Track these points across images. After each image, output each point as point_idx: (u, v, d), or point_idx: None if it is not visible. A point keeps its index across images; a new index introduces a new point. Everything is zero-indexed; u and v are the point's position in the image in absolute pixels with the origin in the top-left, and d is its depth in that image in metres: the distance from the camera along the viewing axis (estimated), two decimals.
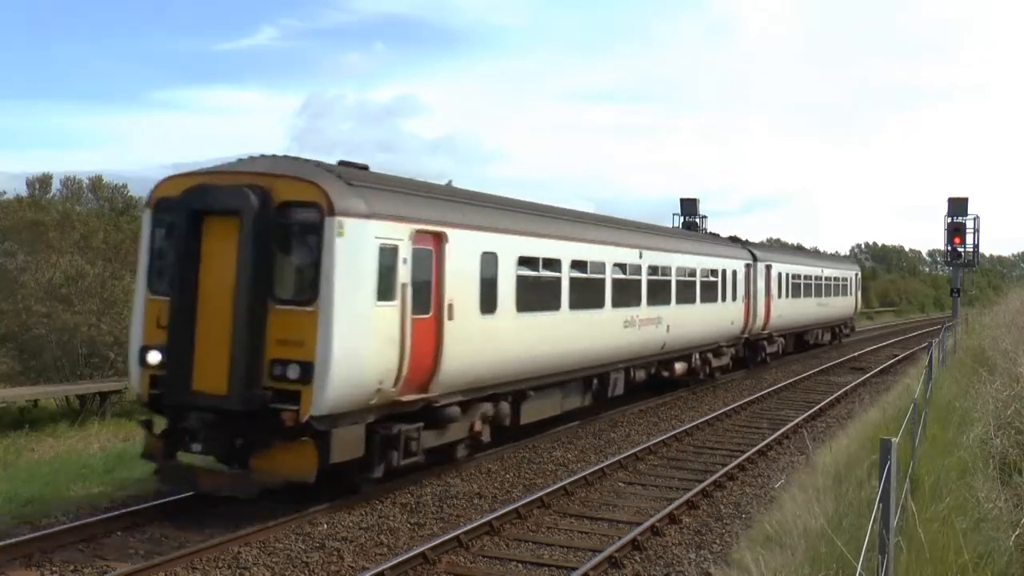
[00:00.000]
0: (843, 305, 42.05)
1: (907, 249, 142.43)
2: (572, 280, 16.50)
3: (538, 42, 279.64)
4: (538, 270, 15.50)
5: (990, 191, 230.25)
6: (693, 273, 22.94)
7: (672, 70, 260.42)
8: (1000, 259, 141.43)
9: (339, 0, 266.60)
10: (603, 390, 18.84)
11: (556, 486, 13.03)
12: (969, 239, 37.81)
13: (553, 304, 15.93)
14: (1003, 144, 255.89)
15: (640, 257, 19.69)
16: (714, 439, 17.98)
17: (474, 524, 11.07)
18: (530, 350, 15.01)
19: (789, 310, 31.92)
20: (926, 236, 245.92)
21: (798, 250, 37.33)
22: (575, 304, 16.55)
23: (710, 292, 24.15)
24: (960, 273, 40.06)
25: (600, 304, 17.77)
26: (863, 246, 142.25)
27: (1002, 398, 13.04)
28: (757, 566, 8.06)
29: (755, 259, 28.41)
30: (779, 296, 30.58)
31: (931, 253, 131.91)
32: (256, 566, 9.82)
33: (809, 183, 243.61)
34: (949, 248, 38.31)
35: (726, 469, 14.56)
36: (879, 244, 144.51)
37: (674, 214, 41.57)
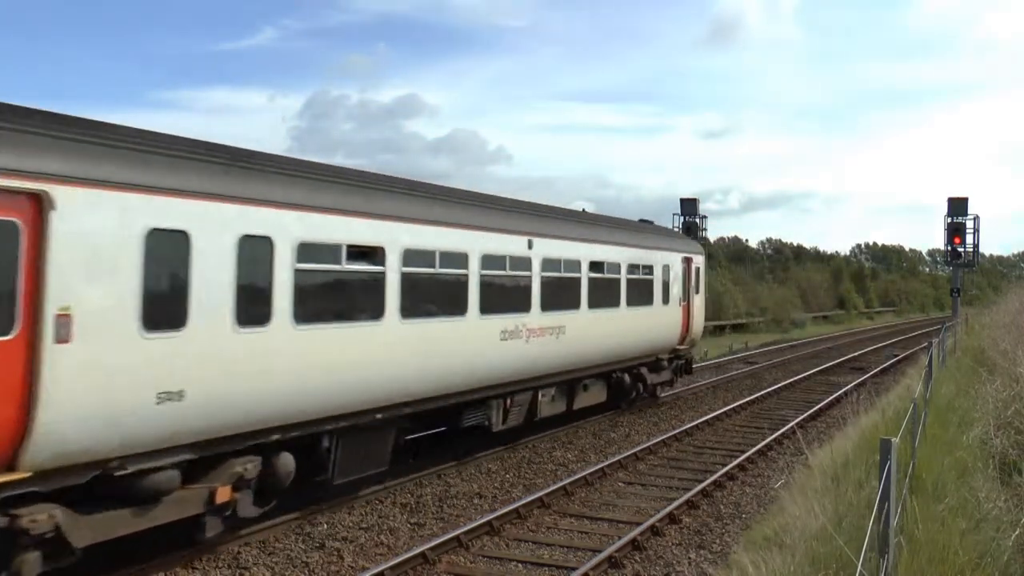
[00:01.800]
0: (645, 324, 20.07)
1: (907, 249, 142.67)
2: None
3: (538, 42, 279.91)
4: None
5: (990, 191, 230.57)
6: None
7: (672, 70, 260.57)
8: (1000, 259, 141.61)
9: (341, 0, 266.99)
10: None
11: (556, 486, 13.03)
12: (969, 239, 37.91)
13: None
14: (1003, 144, 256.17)
15: None
16: (714, 439, 17.98)
17: (474, 524, 11.07)
18: None
19: (315, 358, 10.37)
20: (926, 236, 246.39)
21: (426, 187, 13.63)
22: None
23: None
24: (960, 273, 40.11)
25: None
26: (863, 246, 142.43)
27: (1002, 398, 13.08)
28: (757, 567, 8.06)
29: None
30: (281, 318, 9.88)
31: (931, 253, 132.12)
32: (256, 566, 9.82)
33: (809, 183, 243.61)
34: (949, 248, 38.39)
35: (726, 469, 14.56)
36: (879, 244, 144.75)
37: (674, 214, 41.39)
